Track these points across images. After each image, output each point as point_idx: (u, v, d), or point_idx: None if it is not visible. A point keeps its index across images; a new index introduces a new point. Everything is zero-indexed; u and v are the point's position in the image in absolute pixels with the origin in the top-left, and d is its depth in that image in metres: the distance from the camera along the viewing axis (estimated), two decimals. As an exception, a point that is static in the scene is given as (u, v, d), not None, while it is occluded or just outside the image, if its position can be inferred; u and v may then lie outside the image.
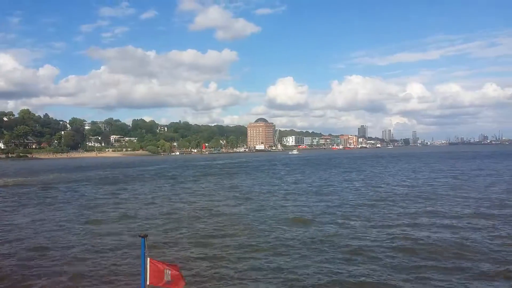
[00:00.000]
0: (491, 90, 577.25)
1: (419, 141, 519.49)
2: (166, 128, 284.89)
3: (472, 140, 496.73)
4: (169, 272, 5.90)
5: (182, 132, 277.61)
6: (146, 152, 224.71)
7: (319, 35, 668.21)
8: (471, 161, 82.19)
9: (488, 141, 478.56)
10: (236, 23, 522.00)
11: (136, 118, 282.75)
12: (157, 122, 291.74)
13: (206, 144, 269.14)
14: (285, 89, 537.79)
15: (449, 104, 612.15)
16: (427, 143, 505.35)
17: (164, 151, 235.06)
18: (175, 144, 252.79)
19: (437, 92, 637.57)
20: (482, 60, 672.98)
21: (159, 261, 6.03)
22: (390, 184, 38.23)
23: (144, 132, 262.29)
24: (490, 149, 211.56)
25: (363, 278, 12.00)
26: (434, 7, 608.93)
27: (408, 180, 42.01)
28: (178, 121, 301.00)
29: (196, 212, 24.08)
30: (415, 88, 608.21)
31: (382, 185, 37.27)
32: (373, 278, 12.01)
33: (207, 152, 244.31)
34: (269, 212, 23.65)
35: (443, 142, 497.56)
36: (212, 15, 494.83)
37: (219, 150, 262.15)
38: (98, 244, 16.63)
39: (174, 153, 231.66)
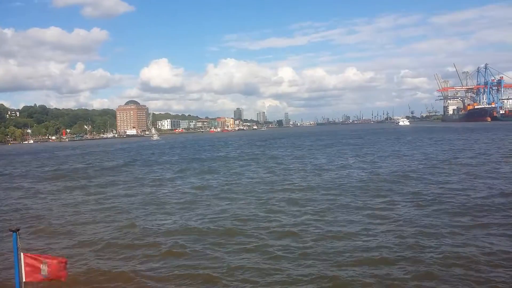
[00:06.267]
0: (352, 74, 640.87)
1: (291, 122, 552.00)
2: (18, 113, 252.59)
3: (336, 120, 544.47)
4: (46, 266, 5.27)
5: (39, 117, 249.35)
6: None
7: (193, 17, 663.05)
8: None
9: (351, 121, 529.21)
10: (106, 0, 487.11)
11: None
12: (10, 107, 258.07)
13: (68, 130, 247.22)
14: (159, 71, 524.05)
15: (316, 87, 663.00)
16: (297, 124, 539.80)
17: (15, 139, 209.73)
18: (29, 131, 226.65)
19: (305, 76, 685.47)
20: (343, 46, 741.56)
21: (36, 255, 5.44)
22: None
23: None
24: (359, 127, 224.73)
25: None
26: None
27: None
28: (33, 105, 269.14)
29: None
30: (286, 72, 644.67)
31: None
32: None
33: (67, 139, 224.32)
34: None
35: (311, 122, 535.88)
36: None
37: (81, 136, 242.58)
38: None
39: (27, 142, 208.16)
